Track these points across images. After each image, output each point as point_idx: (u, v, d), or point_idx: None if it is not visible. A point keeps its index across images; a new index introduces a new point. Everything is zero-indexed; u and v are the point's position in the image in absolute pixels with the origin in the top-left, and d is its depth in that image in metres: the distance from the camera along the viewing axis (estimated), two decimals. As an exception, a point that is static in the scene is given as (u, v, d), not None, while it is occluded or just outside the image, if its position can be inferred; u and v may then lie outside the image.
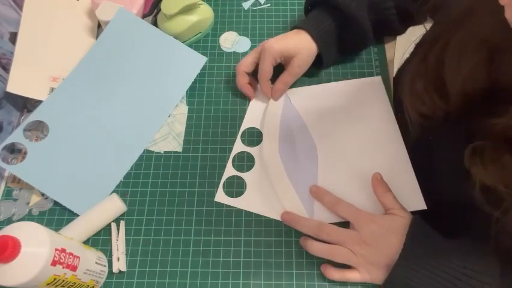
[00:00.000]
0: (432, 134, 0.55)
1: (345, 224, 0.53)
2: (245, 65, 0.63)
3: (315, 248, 0.52)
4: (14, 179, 0.60)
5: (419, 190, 0.56)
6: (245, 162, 0.61)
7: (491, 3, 0.40)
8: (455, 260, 0.46)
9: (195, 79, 0.65)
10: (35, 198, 0.59)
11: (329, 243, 0.52)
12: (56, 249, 0.43)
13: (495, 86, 0.44)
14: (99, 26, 0.71)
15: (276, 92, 0.63)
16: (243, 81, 0.64)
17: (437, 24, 0.55)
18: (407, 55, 0.63)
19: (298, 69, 0.62)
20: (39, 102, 0.62)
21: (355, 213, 0.52)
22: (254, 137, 0.63)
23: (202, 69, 0.65)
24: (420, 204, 0.55)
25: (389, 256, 0.48)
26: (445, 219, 0.51)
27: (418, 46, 0.58)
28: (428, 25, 0.59)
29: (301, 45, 0.61)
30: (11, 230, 0.42)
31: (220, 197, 0.58)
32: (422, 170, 0.57)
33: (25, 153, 0.59)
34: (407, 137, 0.60)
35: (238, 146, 0.62)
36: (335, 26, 0.62)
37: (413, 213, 0.52)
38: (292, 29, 0.64)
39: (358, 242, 0.50)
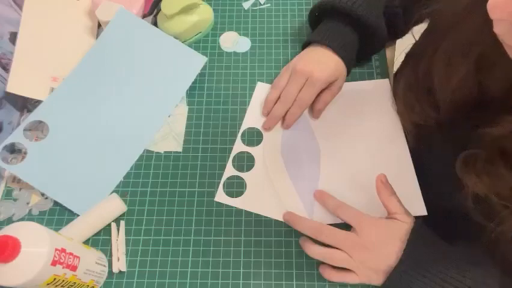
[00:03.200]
0: (424, 143, 0.55)
1: (346, 225, 0.53)
2: (293, 99, 0.60)
3: (313, 251, 0.52)
4: (14, 179, 0.60)
5: (421, 196, 0.56)
6: (245, 162, 0.61)
7: (476, 14, 0.40)
8: (454, 268, 0.46)
9: (195, 79, 0.65)
10: (35, 198, 0.59)
11: (328, 245, 0.52)
12: (56, 249, 0.43)
13: (484, 94, 0.44)
14: (99, 26, 0.71)
15: (318, 112, 0.62)
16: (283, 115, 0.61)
17: (426, 34, 0.55)
18: (399, 64, 0.63)
19: (338, 90, 0.62)
20: (39, 102, 0.62)
21: (357, 217, 0.51)
22: (254, 137, 0.62)
23: (202, 69, 0.65)
24: (421, 210, 0.55)
25: (388, 262, 0.48)
26: (442, 227, 0.51)
27: (408, 56, 0.58)
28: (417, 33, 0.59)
29: (339, 69, 0.60)
30: (11, 230, 0.42)
31: (220, 197, 0.58)
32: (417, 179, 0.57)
33: (25, 153, 0.59)
34: None
35: (238, 146, 0.62)
36: (356, 38, 0.61)
37: (415, 217, 0.52)
38: (307, 42, 0.62)
39: (357, 247, 0.49)
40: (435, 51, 0.46)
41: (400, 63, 0.62)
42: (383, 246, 0.49)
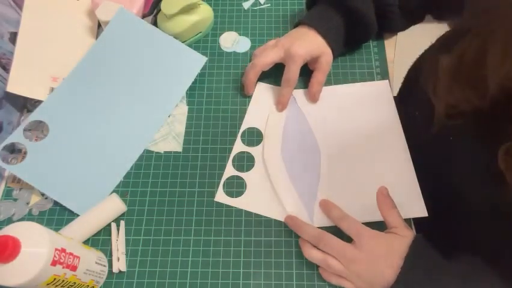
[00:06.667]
0: (454, 133, 0.52)
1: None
2: (265, 64, 0.63)
3: (311, 255, 0.51)
4: (14, 179, 0.60)
5: (421, 197, 0.55)
6: (245, 162, 0.61)
7: None
8: (454, 286, 0.45)
9: (195, 79, 0.65)
10: (35, 198, 0.59)
11: None
12: (56, 249, 0.43)
13: None
14: (99, 26, 0.71)
15: (316, 94, 0.63)
16: (254, 79, 0.64)
17: (469, 18, 0.51)
18: (398, 65, 0.63)
19: (327, 66, 0.63)
20: (39, 102, 0.62)
21: (358, 231, 0.50)
22: (254, 137, 0.62)
23: (202, 69, 0.65)
24: (422, 212, 0.54)
25: (384, 279, 0.47)
26: (456, 225, 0.49)
27: (444, 40, 0.55)
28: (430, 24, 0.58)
29: (320, 46, 0.62)
30: (11, 230, 0.42)
31: (220, 197, 0.58)
32: (438, 173, 0.54)
33: (25, 153, 0.59)
34: (419, 138, 0.58)
35: (238, 146, 0.62)
36: (343, 22, 0.63)
37: (417, 229, 0.50)
38: (297, 24, 0.65)
39: (354, 260, 0.49)
40: (489, 35, 0.42)
41: (428, 49, 0.58)
42: (381, 262, 0.48)
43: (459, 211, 0.52)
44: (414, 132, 0.60)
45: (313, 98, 0.64)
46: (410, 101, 0.62)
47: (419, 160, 0.58)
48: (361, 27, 0.64)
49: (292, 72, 0.61)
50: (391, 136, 0.60)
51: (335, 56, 0.64)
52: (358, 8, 0.61)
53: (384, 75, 0.66)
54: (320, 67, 0.62)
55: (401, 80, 0.70)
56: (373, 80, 0.66)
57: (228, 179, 0.59)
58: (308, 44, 0.61)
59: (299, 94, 0.65)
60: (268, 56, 0.62)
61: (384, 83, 0.65)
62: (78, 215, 0.57)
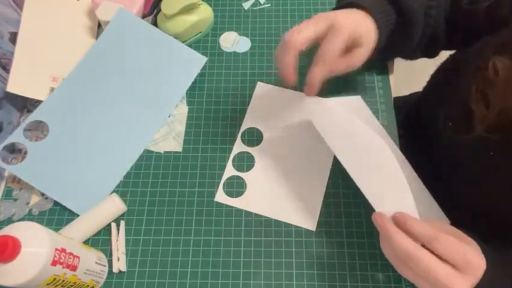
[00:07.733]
0: (491, 148, 0.48)
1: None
2: (305, 39, 0.46)
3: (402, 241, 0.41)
4: (14, 179, 0.60)
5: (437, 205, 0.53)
6: (245, 162, 0.61)
7: None
8: None
9: (195, 79, 0.65)
10: (35, 198, 0.59)
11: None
12: (56, 249, 0.43)
13: None
14: (99, 26, 0.71)
15: (313, 83, 0.50)
16: (293, 61, 0.47)
17: None
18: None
19: (359, 60, 0.50)
20: (39, 102, 0.62)
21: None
22: (254, 137, 0.62)
23: (202, 69, 0.65)
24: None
25: None
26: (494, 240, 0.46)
27: (498, 43, 0.49)
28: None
29: (369, 35, 0.49)
30: (11, 230, 0.42)
31: (220, 197, 0.58)
32: (469, 193, 0.52)
33: (25, 153, 0.59)
34: (450, 150, 0.53)
35: (238, 146, 0.62)
36: (394, 20, 0.52)
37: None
38: (344, 5, 0.51)
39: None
40: None
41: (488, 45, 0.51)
42: None
43: (497, 226, 0.49)
44: (441, 145, 0.55)
45: (309, 89, 0.51)
46: (437, 112, 0.55)
47: (445, 177, 0.55)
48: (409, 36, 0.54)
49: (335, 44, 0.46)
50: (387, 151, 0.52)
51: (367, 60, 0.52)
52: (416, 18, 0.51)
53: (384, 75, 0.66)
54: (349, 58, 0.49)
55: (401, 83, 0.68)
56: (373, 82, 0.65)
57: (228, 179, 0.60)
58: (356, 22, 0.48)
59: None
60: (306, 29, 0.46)
61: (357, 98, 0.61)
62: (78, 215, 0.57)
